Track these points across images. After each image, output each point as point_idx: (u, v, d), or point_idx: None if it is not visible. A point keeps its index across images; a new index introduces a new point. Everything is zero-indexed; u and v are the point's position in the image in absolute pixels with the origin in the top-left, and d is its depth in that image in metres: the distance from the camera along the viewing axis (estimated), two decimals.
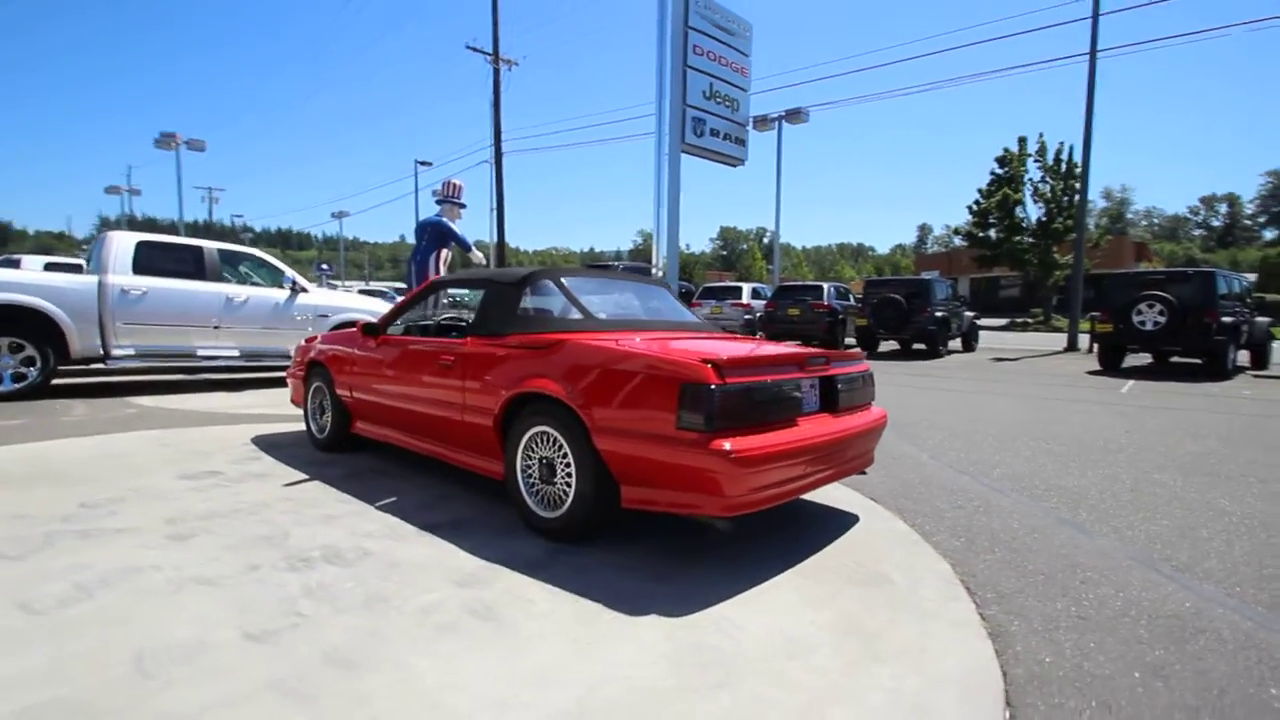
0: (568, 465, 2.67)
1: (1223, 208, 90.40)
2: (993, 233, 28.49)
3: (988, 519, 3.24)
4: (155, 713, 1.54)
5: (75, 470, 3.70)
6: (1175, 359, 11.42)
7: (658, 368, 2.43)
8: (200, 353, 7.27)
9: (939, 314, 13.07)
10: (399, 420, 3.66)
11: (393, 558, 2.54)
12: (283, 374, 7.78)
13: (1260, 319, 11.31)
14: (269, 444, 4.52)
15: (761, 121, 19.38)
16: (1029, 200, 27.92)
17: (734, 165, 19.26)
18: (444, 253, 11.19)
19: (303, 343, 4.87)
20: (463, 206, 12.04)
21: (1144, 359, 12.11)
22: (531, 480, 2.85)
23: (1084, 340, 15.07)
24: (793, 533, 2.92)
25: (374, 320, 3.97)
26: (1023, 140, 28.16)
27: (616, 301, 3.44)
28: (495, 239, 26.95)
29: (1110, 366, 10.99)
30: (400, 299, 4.23)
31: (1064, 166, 27.22)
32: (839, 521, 3.12)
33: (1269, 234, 78.36)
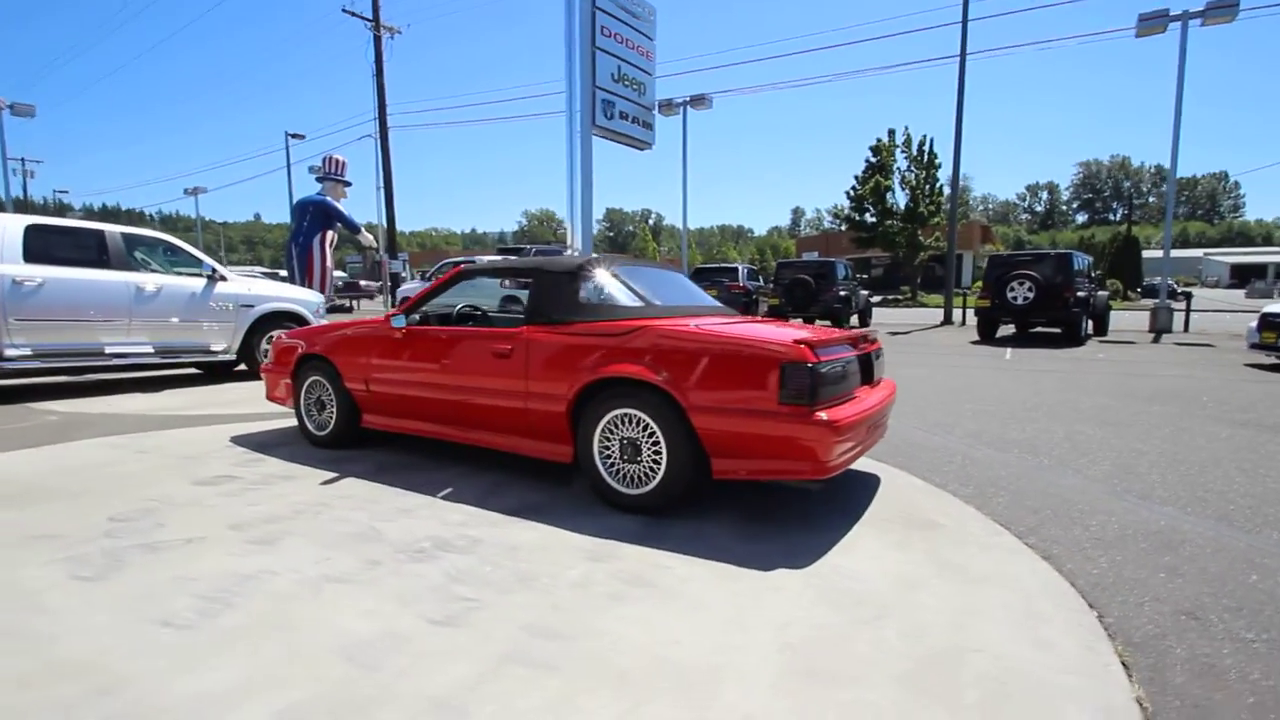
0: (655, 444, 2.86)
1: (1044, 195, 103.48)
2: (868, 217, 31.03)
3: (978, 470, 3.81)
4: (423, 696, 1.60)
5: (61, 485, 3.34)
6: (1037, 329, 13.25)
7: (758, 350, 2.68)
8: (109, 350, 6.52)
9: (842, 293, 14.23)
10: (434, 411, 3.63)
11: (506, 542, 2.61)
12: (192, 370, 7.22)
13: (1101, 293, 13.39)
14: (256, 444, 4.26)
15: (667, 106, 19.76)
16: (897, 187, 30.65)
17: (641, 149, 19.55)
18: (329, 234, 10.54)
19: (281, 337, 4.59)
20: (347, 184, 11.36)
21: (1010, 330, 13.93)
22: (610, 460, 3.00)
23: (956, 314, 17.00)
24: (840, 494, 3.30)
25: (393, 311, 3.86)
26: (891, 132, 30.76)
27: (660, 288, 3.61)
28: (385, 221, 25.55)
29: (987, 337, 12.55)
30: (425, 286, 4.11)
31: (925, 157, 30.10)
32: (866, 481, 3.54)
33: (1081, 218, 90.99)
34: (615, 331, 3.02)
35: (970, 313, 15.20)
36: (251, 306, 7.63)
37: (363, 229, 11.34)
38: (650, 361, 2.84)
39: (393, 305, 23.11)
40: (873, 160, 30.82)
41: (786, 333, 2.89)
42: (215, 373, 7.77)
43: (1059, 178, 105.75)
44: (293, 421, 4.97)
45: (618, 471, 3.00)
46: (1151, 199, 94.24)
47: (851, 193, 31.38)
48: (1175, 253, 49.73)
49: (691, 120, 20.80)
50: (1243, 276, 56.93)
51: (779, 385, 2.59)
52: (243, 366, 7.62)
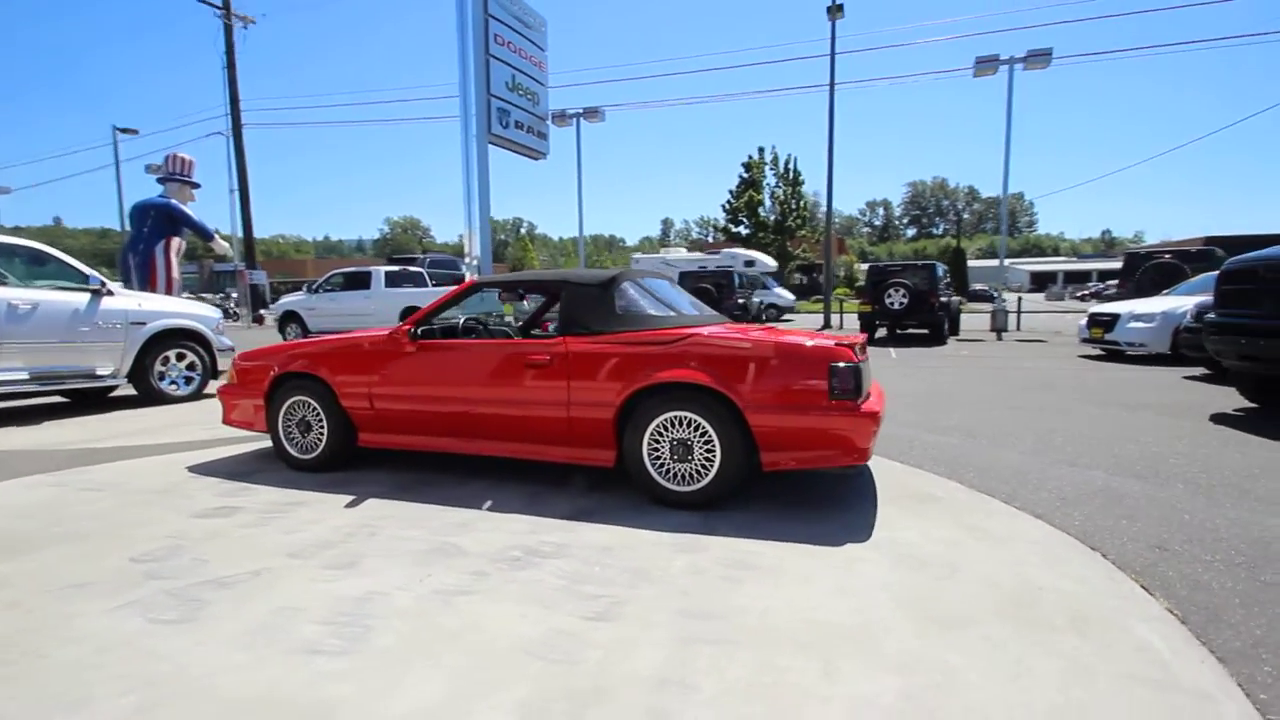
0: (708, 443, 3.09)
1: (880, 210, 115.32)
2: (743, 229, 33.06)
3: (936, 451, 4.41)
4: (638, 678, 1.72)
5: (34, 530, 2.94)
6: (908, 330, 14.94)
7: (808, 352, 3.00)
8: None
9: (740, 300, 15.16)
10: (457, 425, 3.59)
11: (590, 544, 2.71)
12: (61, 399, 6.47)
13: (954, 298, 15.37)
14: (225, 473, 3.93)
15: (560, 117, 19.90)
16: (768, 201, 32.97)
17: (536, 158, 19.54)
18: (175, 242, 9.53)
19: (243, 357, 4.25)
20: (195, 185, 10.34)
21: (883, 332, 15.57)
22: (660, 461, 3.19)
23: (835, 319, 18.67)
24: (845, 483, 3.70)
25: (401, 325, 3.76)
26: (761, 150, 33.12)
27: (674, 299, 3.83)
28: (240, 227, 23.30)
29: (868, 339, 13.98)
30: (434, 301, 3.99)
31: (791, 175, 32.69)
32: (855, 468, 3.98)
33: (911, 231, 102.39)
34: (664, 340, 3.21)
35: (843, 317, 16.80)
36: (143, 324, 6.84)
37: (217, 236, 10.29)
38: (705, 366, 3.07)
39: (253, 320, 21.08)
40: (745, 176, 32.91)
41: (821, 338, 3.24)
42: (89, 400, 6.84)
43: (892, 196, 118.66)
44: (248, 446, 4.61)
45: (668, 471, 3.18)
46: (966, 215, 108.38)
47: (727, 205, 33.27)
48: (986, 262, 57.92)
49: (562, 131, 21.09)
50: (1040, 282, 67.07)
51: (828, 383, 2.93)
52: (127, 391, 6.79)
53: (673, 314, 3.51)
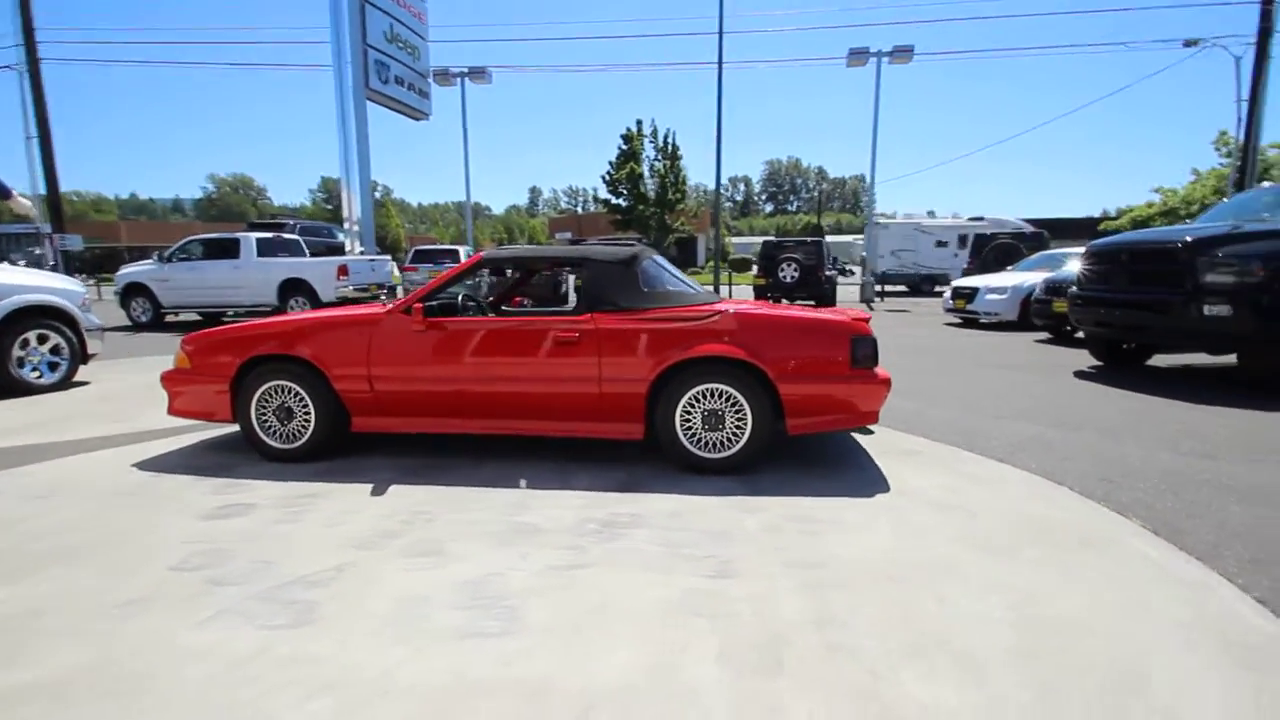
0: (739, 412, 3.31)
1: (741, 186, 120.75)
2: (623, 201, 33.29)
3: (896, 414, 4.96)
4: (808, 622, 1.92)
5: (12, 547, 2.52)
6: (797, 301, 16.09)
7: (831, 326, 3.29)
8: None
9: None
10: (474, 405, 3.50)
11: (658, 510, 2.84)
12: None
13: (831, 272, 16.75)
14: (193, 468, 3.55)
15: (444, 76, 18.72)
16: (647, 175, 33.41)
17: (418, 118, 18.56)
18: None
19: (201, 338, 3.79)
20: None
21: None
22: (692, 431, 3.36)
23: (723, 290, 19.58)
24: (833, 442, 4.09)
25: (399, 302, 3.56)
26: (639, 123, 33.34)
27: (681, 276, 3.95)
28: (44, 183, 19.68)
29: None
30: (439, 276, 3.75)
31: (670, 149, 33.32)
32: (865, 429, 4.36)
33: (769, 207, 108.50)
34: (695, 315, 3.35)
35: (731, 289, 17.67)
36: None
37: (15, 193, 8.76)
38: (738, 340, 3.26)
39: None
40: (625, 148, 33.03)
41: (837, 313, 3.54)
42: None
43: (752, 173, 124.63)
44: (185, 438, 4.19)
45: (699, 440, 3.36)
46: (816, 193, 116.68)
47: (607, 177, 33.27)
48: (836, 238, 63.32)
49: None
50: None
51: (850, 353, 3.25)
52: None
53: (690, 290, 3.65)
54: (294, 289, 12.11)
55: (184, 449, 3.98)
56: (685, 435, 3.36)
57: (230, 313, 12.90)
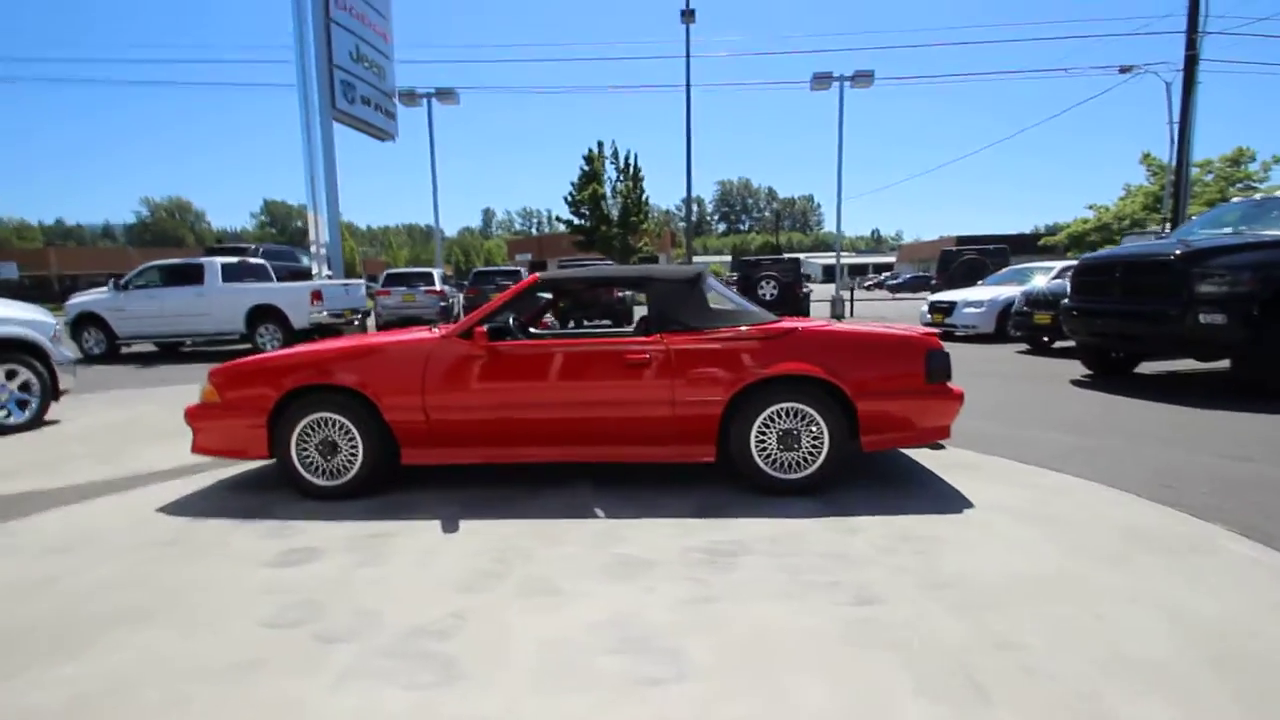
0: (815, 431, 3.26)
1: (695, 206, 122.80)
2: (585, 222, 33.27)
3: None
4: (989, 637, 1.86)
5: (58, 612, 2.25)
6: None
7: (905, 342, 3.29)
8: None
9: (619, 294, 15.37)
10: (538, 432, 3.34)
11: (758, 535, 2.76)
12: None
13: (807, 289, 17.08)
14: (225, 510, 3.28)
15: (409, 97, 18.40)
16: (609, 196, 33.53)
17: (383, 139, 18.19)
18: None
19: (217, 375, 3.53)
20: None
21: None
22: (767, 451, 3.29)
23: None
24: (889, 459, 4.08)
25: (454, 326, 3.39)
26: (600, 144, 33.49)
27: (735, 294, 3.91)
28: None
29: None
30: (495, 299, 3.57)
31: (632, 170, 33.56)
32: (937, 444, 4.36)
33: (721, 227, 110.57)
34: (769, 334, 3.30)
35: None
36: None
37: None
38: (815, 359, 3.22)
39: None
40: (586, 169, 33.10)
41: (907, 329, 3.54)
42: None
43: (704, 193, 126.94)
44: (198, 477, 3.89)
45: (773, 460, 3.30)
46: (768, 213, 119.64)
47: (569, 198, 33.24)
48: (789, 256, 65.08)
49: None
50: (829, 274, 76.54)
51: (925, 368, 3.25)
52: None
53: (752, 309, 3.60)
54: (263, 316, 11.57)
55: (204, 490, 3.68)
56: (760, 456, 3.29)
57: (189, 342, 12.24)
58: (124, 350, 12.01)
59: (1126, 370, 7.30)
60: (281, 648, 1.95)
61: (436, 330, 3.60)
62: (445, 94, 18.52)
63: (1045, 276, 11.45)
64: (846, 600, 2.18)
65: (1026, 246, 34.16)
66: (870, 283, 56.61)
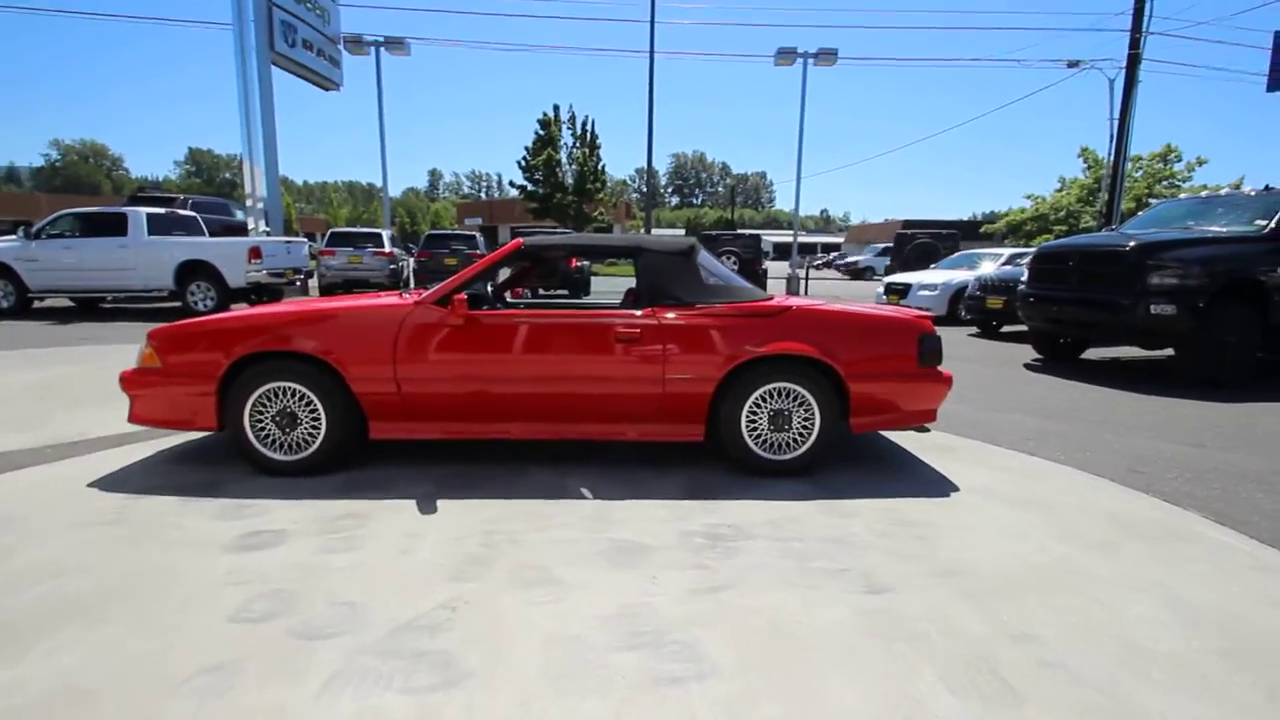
0: (807, 412, 3.20)
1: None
2: (539, 188, 32.42)
3: None
4: (1001, 634, 1.83)
5: (19, 595, 1.96)
6: None
7: (899, 324, 3.24)
8: None
9: (577, 263, 15.04)
10: (517, 407, 3.16)
11: (756, 520, 2.68)
12: None
13: (764, 266, 17.14)
14: (170, 486, 2.99)
15: (356, 44, 17.25)
16: (565, 162, 32.71)
17: (327, 88, 17.16)
18: None
19: (157, 336, 3.19)
20: None
21: None
22: (757, 432, 3.21)
23: None
24: (877, 441, 4.07)
25: (428, 293, 3.14)
26: (557, 108, 32.52)
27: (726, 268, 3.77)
28: None
29: None
30: (474, 265, 3.29)
31: (589, 137, 32.78)
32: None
33: (675, 200, 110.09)
34: (765, 312, 3.19)
35: None
36: None
37: None
38: (810, 338, 3.14)
39: None
40: (542, 133, 32.14)
41: (899, 311, 3.50)
42: None
43: (658, 165, 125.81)
44: (132, 449, 3.56)
45: (763, 441, 3.23)
46: (721, 188, 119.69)
47: (524, 163, 32.27)
48: (742, 233, 65.59)
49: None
50: (781, 252, 77.60)
51: (918, 351, 3.22)
52: None
53: (745, 285, 3.49)
54: (195, 273, 10.77)
55: (144, 462, 3.35)
56: (750, 436, 3.21)
57: (110, 298, 11.32)
58: (36, 305, 11.00)
59: (1074, 356, 7.60)
60: (256, 647, 1.75)
61: (409, 295, 3.34)
62: (394, 43, 17.45)
63: (994, 263, 11.82)
64: (858, 588, 2.12)
65: (968, 233, 35.35)
66: (820, 261, 57.62)
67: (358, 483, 3.08)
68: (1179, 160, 28.72)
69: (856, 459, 3.56)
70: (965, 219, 48.81)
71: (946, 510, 2.86)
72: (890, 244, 19.16)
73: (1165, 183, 28.74)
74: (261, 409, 3.14)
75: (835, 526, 2.64)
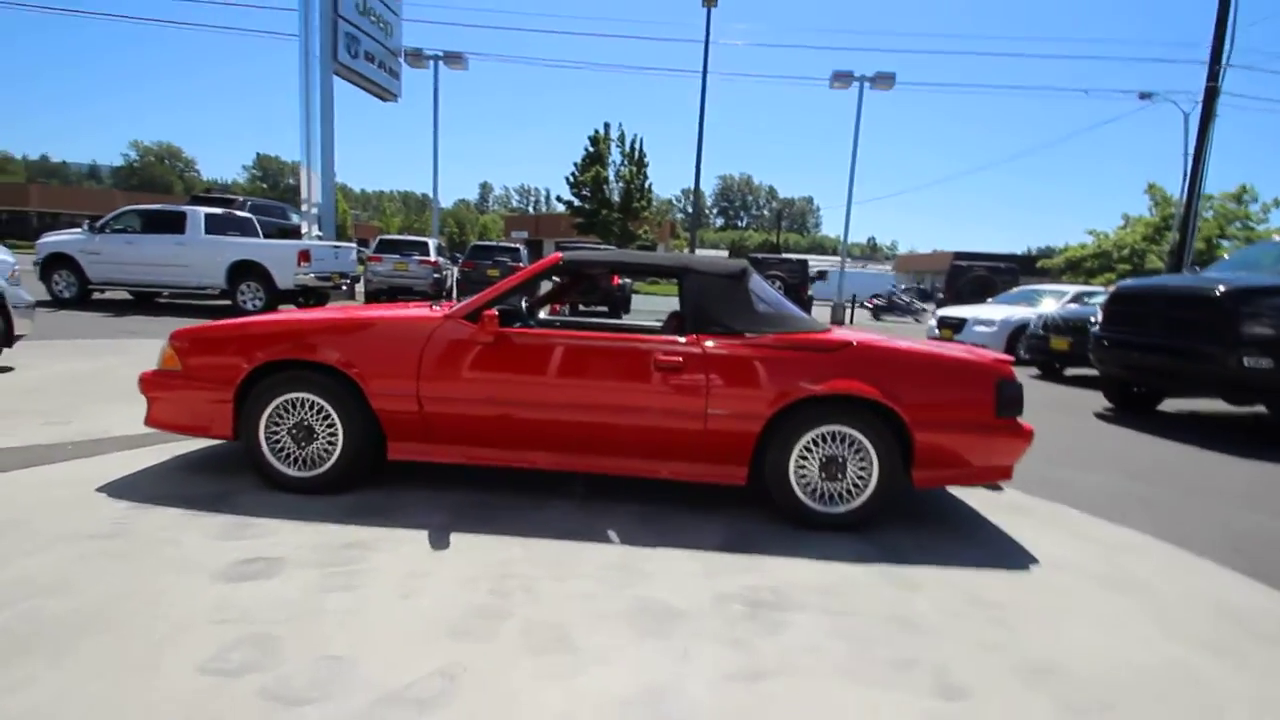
0: (863, 460, 2.86)
1: (693, 198, 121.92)
2: (586, 204, 32.64)
3: None
4: None
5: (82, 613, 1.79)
6: None
7: (975, 368, 2.89)
8: None
9: (619, 281, 14.92)
10: (549, 435, 2.91)
11: (802, 585, 2.35)
12: None
13: (811, 292, 16.74)
14: (175, 496, 2.82)
15: (416, 57, 17.65)
16: (612, 180, 32.90)
17: (386, 99, 17.52)
18: None
19: (178, 338, 3.06)
20: None
21: None
22: (807, 479, 2.89)
23: None
24: (925, 497, 3.69)
25: (458, 306, 2.94)
26: (607, 126, 32.83)
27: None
28: None
29: None
30: (509, 279, 3.11)
31: (637, 155, 32.93)
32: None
33: (719, 222, 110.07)
34: (822, 346, 2.88)
35: None
36: None
37: None
38: (873, 378, 2.81)
39: None
40: (591, 150, 32.43)
41: (972, 351, 3.14)
42: None
43: (705, 185, 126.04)
44: (153, 450, 3.42)
45: (815, 490, 2.90)
46: (766, 211, 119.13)
47: (572, 179, 32.57)
48: (788, 257, 64.86)
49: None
50: (825, 278, 76.53)
51: (995, 399, 2.86)
52: None
53: (800, 314, 3.19)
54: (246, 273, 10.96)
55: (160, 466, 3.22)
56: (799, 484, 2.88)
57: (166, 293, 11.62)
58: (96, 296, 11.36)
59: (1148, 406, 7.00)
60: (220, 709, 1.52)
61: (437, 308, 3.14)
62: (453, 58, 17.77)
63: (1056, 300, 11.18)
64: (929, 689, 1.78)
65: (1024, 268, 33.94)
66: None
67: (370, 505, 2.87)
68: (1255, 201, 27.15)
69: (917, 515, 3.19)
70: (1019, 253, 47.21)
71: (1027, 588, 2.48)
72: (905, 279, 18.57)
73: (1238, 224, 27.23)
74: (278, 420, 2.97)
75: (897, 601, 2.29)
